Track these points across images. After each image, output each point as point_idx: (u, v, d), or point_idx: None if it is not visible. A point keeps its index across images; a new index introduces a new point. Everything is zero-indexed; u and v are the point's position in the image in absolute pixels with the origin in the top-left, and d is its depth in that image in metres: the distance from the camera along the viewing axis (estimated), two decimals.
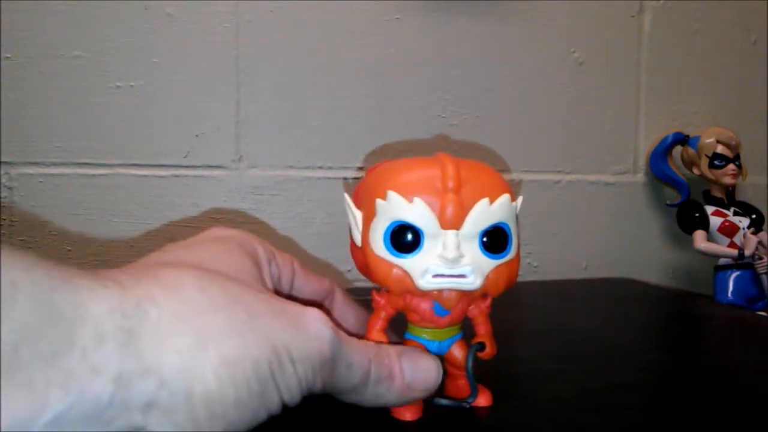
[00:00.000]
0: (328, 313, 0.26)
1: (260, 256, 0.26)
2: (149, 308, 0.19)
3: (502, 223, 0.26)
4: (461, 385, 0.29)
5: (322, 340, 0.22)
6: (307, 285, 0.29)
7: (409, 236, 0.26)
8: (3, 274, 0.16)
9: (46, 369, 0.16)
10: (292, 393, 0.21)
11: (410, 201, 0.25)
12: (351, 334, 0.24)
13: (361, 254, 0.27)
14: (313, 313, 0.22)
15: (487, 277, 0.26)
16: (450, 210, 0.25)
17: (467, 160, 0.27)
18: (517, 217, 0.28)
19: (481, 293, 0.27)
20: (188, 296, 0.20)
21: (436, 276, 0.25)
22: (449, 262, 0.25)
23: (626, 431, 0.28)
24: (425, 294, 0.26)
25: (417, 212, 0.25)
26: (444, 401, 0.28)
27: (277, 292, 0.27)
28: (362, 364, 0.24)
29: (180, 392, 0.18)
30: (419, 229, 0.26)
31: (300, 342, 0.21)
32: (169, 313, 0.19)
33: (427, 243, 0.26)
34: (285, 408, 0.21)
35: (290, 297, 0.28)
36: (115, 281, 0.19)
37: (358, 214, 0.28)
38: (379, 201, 0.26)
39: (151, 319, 0.18)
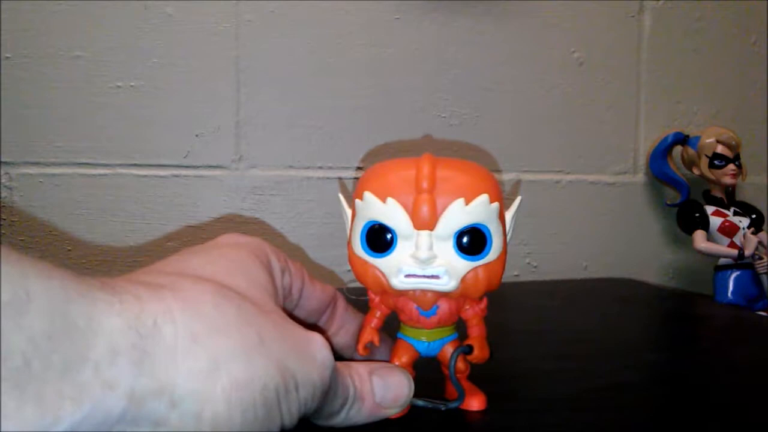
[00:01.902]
0: (324, 334, 0.26)
1: (274, 267, 0.26)
2: (165, 326, 0.19)
3: (479, 224, 0.26)
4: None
5: (326, 367, 0.22)
6: (314, 293, 0.29)
7: (383, 236, 0.26)
8: (18, 284, 0.16)
9: (59, 382, 0.16)
10: (292, 417, 0.21)
11: (384, 201, 0.26)
12: (347, 355, 0.25)
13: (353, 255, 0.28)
14: (319, 339, 0.23)
15: (463, 279, 0.26)
16: (423, 210, 0.25)
17: (452, 159, 0.27)
18: (503, 218, 0.27)
19: (460, 295, 0.27)
20: (205, 314, 0.20)
21: (408, 276, 0.26)
22: (421, 263, 0.25)
23: (626, 431, 0.28)
24: (405, 294, 0.27)
25: (390, 212, 0.26)
26: (420, 402, 0.27)
27: (286, 304, 0.27)
28: (345, 389, 0.24)
29: (190, 414, 0.18)
30: (392, 229, 0.26)
31: (305, 368, 0.21)
32: (185, 331, 0.19)
33: (400, 243, 0.26)
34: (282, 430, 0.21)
35: (293, 313, 0.28)
36: (133, 294, 0.19)
37: (349, 214, 0.28)
38: (357, 201, 0.27)
39: (167, 338, 0.18)
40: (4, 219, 0.58)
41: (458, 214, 0.26)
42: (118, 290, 0.19)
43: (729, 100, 0.80)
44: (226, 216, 0.63)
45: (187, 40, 0.61)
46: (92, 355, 0.17)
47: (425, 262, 0.25)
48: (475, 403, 0.28)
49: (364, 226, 0.26)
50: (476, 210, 0.26)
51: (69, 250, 0.59)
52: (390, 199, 0.26)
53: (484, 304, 0.28)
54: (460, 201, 0.25)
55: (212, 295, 0.21)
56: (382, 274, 0.26)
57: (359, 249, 0.27)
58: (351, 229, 0.28)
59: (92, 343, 0.17)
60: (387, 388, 0.26)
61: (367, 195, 0.26)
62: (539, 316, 0.52)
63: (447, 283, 0.26)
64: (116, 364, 0.17)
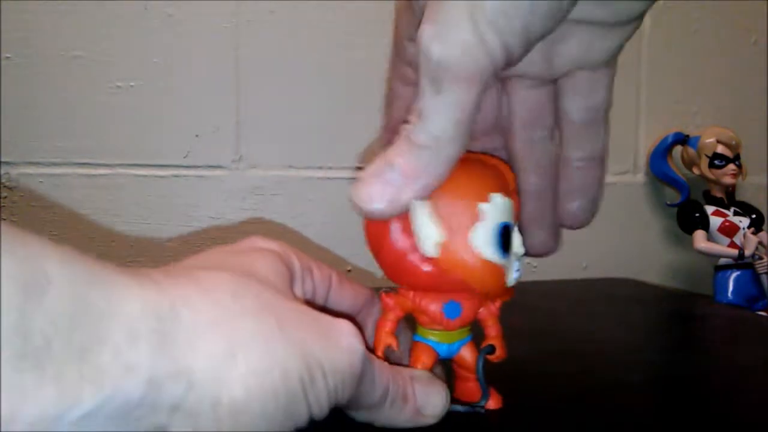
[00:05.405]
0: (359, 326, 0.25)
1: (295, 270, 0.26)
2: (182, 310, 0.18)
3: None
4: (470, 387, 0.28)
5: (354, 353, 0.22)
6: (342, 299, 0.28)
7: (508, 236, 0.26)
8: (38, 265, 0.16)
9: (79, 363, 0.16)
10: (321, 406, 0.20)
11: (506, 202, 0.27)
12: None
13: (432, 265, 0.26)
14: (345, 325, 0.22)
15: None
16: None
17: None
18: None
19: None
20: (222, 301, 0.20)
21: (517, 271, 0.27)
22: (520, 258, 0.27)
23: (626, 431, 0.28)
24: (440, 295, 0.27)
25: (511, 212, 0.27)
26: (459, 407, 0.27)
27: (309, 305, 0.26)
28: (383, 382, 0.24)
29: (206, 398, 0.18)
30: (512, 228, 0.27)
31: (332, 354, 0.21)
32: (202, 316, 0.19)
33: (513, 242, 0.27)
34: (311, 420, 0.20)
35: (323, 309, 0.27)
36: (153, 280, 0.19)
37: (431, 221, 0.26)
38: (483, 205, 0.26)
39: (184, 322, 0.18)
40: (4, 219, 0.58)
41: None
42: (137, 275, 0.19)
43: (729, 100, 0.80)
44: (226, 216, 0.63)
45: (187, 40, 0.61)
46: (112, 337, 0.17)
47: (522, 257, 0.27)
48: (492, 402, 0.28)
49: (498, 229, 0.26)
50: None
51: None
52: (509, 199, 0.27)
53: (498, 304, 0.29)
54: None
55: (230, 283, 0.21)
56: (505, 273, 0.26)
57: (492, 253, 0.25)
58: (461, 235, 0.26)
59: (112, 326, 0.17)
60: (426, 395, 0.25)
61: (496, 197, 0.26)
62: (539, 316, 0.52)
63: (518, 276, 0.27)
64: (135, 347, 0.17)
